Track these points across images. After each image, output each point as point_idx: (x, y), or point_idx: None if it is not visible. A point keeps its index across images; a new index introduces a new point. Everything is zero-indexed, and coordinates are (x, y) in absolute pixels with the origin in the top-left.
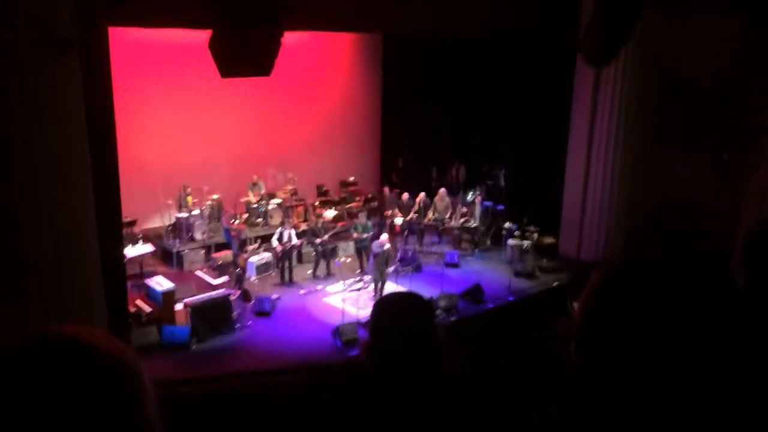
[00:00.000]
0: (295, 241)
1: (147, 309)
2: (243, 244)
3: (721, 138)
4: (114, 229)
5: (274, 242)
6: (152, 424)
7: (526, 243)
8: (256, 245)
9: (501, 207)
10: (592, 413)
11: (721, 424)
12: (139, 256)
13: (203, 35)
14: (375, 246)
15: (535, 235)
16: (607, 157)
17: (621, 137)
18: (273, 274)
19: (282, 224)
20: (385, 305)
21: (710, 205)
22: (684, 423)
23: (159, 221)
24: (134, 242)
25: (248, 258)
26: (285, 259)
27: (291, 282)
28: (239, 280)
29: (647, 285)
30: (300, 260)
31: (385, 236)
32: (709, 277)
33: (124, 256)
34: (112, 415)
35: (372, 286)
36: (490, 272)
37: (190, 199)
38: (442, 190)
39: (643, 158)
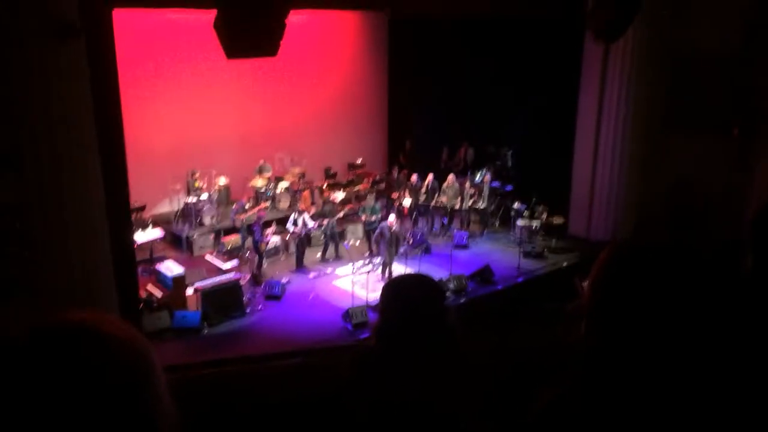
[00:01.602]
0: (310, 224)
1: (158, 294)
2: (262, 229)
3: (732, 118)
4: (123, 215)
5: (290, 227)
6: (165, 408)
7: (535, 223)
8: (273, 228)
9: (509, 187)
10: (602, 391)
11: (731, 401)
12: (149, 241)
13: (208, 16)
14: (382, 228)
15: (544, 215)
16: (616, 136)
17: (630, 116)
18: (282, 258)
19: (300, 211)
20: (394, 287)
21: (721, 186)
22: (693, 397)
23: (168, 206)
24: (144, 227)
25: (268, 244)
26: (301, 244)
27: (301, 266)
28: (258, 266)
29: (656, 265)
30: (309, 243)
31: (392, 218)
32: (716, 258)
33: (133, 242)
34: (124, 400)
35: (380, 269)
36: (499, 253)
37: (197, 183)
38: (451, 176)
39: (653, 138)
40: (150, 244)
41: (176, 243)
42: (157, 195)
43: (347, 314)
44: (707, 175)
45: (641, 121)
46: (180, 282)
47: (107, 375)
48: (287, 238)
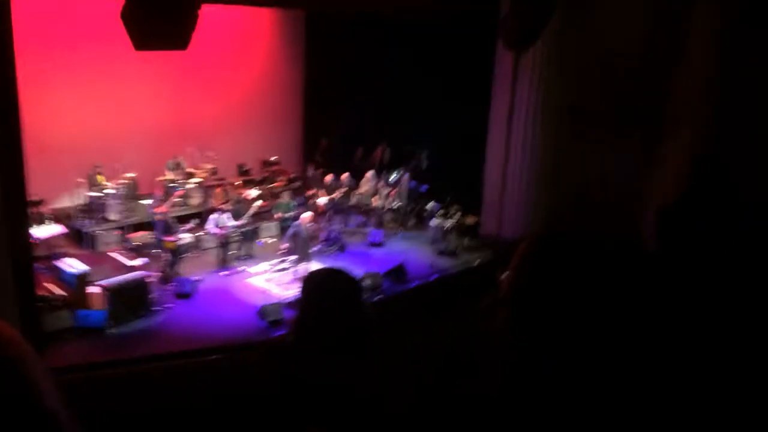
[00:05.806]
0: (231, 225)
1: (57, 292)
2: (169, 227)
3: (636, 122)
4: (19, 209)
5: (212, 230)
6: (49, 411)
7: (448, 223)
8: (189, 225)
9: (424, 188)
10: (526, 380)
11: (646, 376)
12: (48, 237)
13: (116, 4)
14: (295, 225)
15: (458, 215)
16: (526, 138)
17: (539, 120)
18: (195, 256)
19: (220, 211)
20: (312, 280)
21: (624, 186)
22: (613, 377)
23: (69, 201)
24: (41, 222)
25: (180, 241)
26: (225, 244)
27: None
28: (172, 264)
29: (572, 253)
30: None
31: (306, 215)
32: (624, 245)
33: (31, 237)
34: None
35: (294, 266)
36: (414, 252)
37: (100, 178)
38: (369, 173)
39: (562, 141)
40: (49, 241)
41: (79, 239)
42: (58, 189)
43: (262, 311)
44: (612, 176)
45: (550, 125)
46: (84, 280)
47: None
48: (200, 236)
